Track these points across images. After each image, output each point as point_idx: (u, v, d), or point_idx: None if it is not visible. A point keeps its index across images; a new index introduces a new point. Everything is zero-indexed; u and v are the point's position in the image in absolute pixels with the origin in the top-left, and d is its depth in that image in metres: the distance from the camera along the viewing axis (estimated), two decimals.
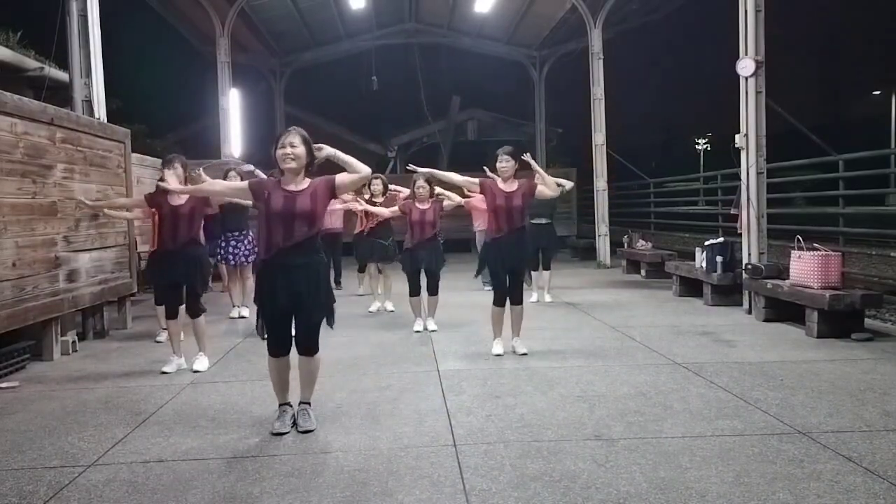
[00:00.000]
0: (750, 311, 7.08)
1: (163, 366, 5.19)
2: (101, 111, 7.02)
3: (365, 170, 3.65)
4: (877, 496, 2.79)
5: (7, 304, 5.02)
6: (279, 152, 3.62)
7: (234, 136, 12.53)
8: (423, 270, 6.58)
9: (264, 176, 5.59)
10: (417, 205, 6.52)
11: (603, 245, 12.48)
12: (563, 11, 13.81)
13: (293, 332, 3.77)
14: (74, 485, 3.10)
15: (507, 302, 5.48)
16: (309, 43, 17.32)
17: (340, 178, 3.69)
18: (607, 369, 4.94)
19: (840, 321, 5.81)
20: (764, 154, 7.18)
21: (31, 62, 8.30)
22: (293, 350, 3.79)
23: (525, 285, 6.61)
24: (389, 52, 18.71)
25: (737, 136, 7.28)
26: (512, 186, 5.36)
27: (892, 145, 24.99)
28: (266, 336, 3.77)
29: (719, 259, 7.62)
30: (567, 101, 18.96)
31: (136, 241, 7.45)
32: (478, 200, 8.27)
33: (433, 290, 6.63)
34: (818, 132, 8.73)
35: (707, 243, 7.91)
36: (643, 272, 10.62)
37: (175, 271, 5.14)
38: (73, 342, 6.03)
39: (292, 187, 3.65)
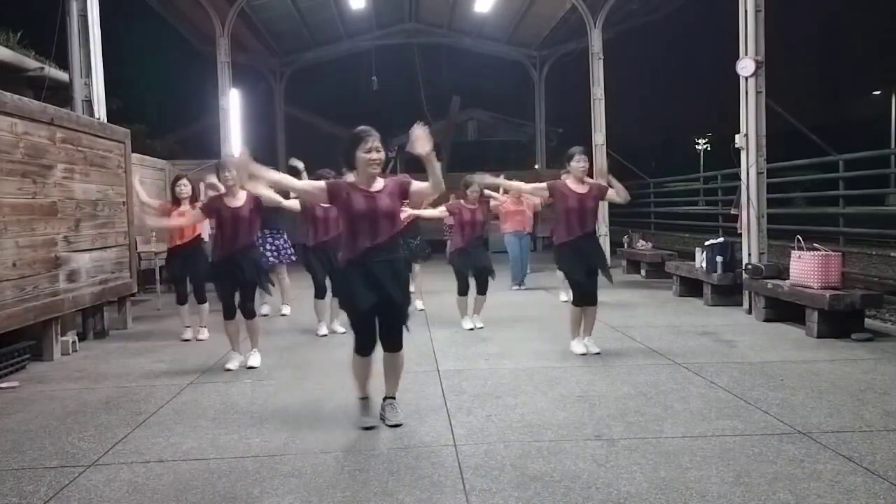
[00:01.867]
0: (750, 311, 7.07)
1: (226, 363, 5.25)
2: (101, 111, 7.02)
3: (441, 188, 3.69)
4: (877, 496, 2.79)
5: (7, 304, 5.02)
6: (365, 156, 3.61)
7: (234, 136, 12.52)
8: (476, 269, 6.66)
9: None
10: (467, 206, 6.62)
11: (603, 245, 12.47)
12: (563, 11, 13.81)
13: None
14: (74, 485, 3.10)
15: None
16: (309, 43, 17.32)
17: (417, 185, 3.75)
18: (607, 369, 4.94)
19: (840, 321, 5.81)
20: (764, 154, 7.18)
21: (31, 62, 8.30)
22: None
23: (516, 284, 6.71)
24: (389, 52, 18.71)
25: (737, 136, 7.28)
26: (584, 188, 5.31)
27: (892, 145, 24.99)
28: (353, 334, 3.81)
29: (719, 259, 7.62)
30: (567, 101, 18.97)
31: (136, 242, 7.45)
32: (509, 203, 8.38)
33: (483, 290, 6.72)
34: (818, 132, 8.71)
35: (707, 243, 7.91)
36: (643, 272, 10.62)
37: (237, 275, 5.11)
38: (73, 342, 6.03)
39: (370, 187, 3.68)
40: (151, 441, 3.63)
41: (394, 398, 3.91)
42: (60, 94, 7.33)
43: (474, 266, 6.64)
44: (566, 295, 8.34)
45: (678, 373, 4.80)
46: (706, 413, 3.88)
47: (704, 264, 7.87)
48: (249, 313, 5.28)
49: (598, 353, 5.37)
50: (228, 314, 5.24)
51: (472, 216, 6.60)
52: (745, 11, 7.11)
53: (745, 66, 7.07)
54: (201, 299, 6.41)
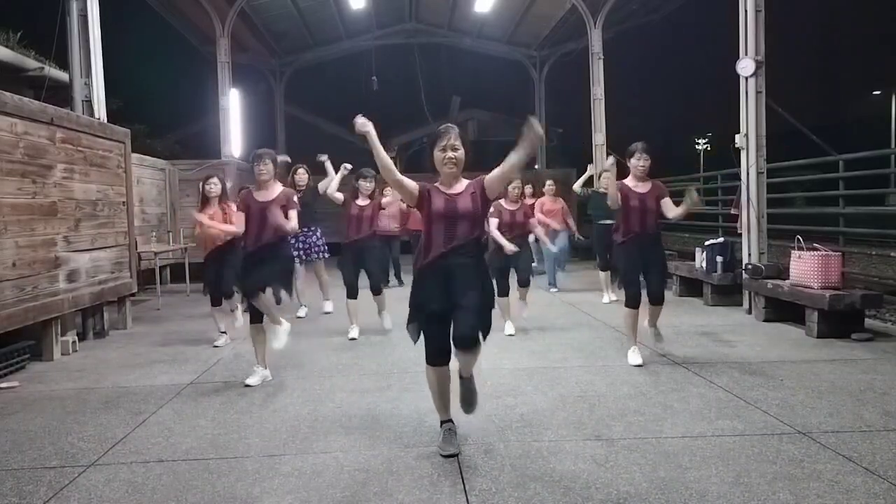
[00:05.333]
0: (750, 311, 7.08)
1: (247, 378, 4.84)
2: (101, 111, 7.02)
3: (515, 163, 3.40)
4: (877, 496, 2.79)
5: (7, 304, 5.02)
6: (440, 155, 3.44)
7: (235, 136, 12.53)
8: (517, 270, 6.50)
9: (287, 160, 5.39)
10: (507, 206, 6.36)
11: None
12: (563, 11, 13.82)
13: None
14: (74, 485, 3.10)
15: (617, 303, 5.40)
16: (309, 43, 17.33)
17: (490, 176, 3.52)
18: (607, 369, 4.94)
19: (840, 321, 5.81)
20: (764, 154, 7.18)
21: (31, 62, 8.31)
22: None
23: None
24: (389, 52, 18.71)
25: (737, 136, 7.28)
26: (646, 187, 5.15)
27: (892, 145, 24.97)
28: (424, 342, 3.54)
29: (719, 259, 7.63)
30: (567, 101, 18.97)
31: (136, 242, 7.45)
32: (546, 201, 8.28)
33: (524, 282, 6.59)
34: (818, 132, 8.70)
35: (707, 243, 7.91)
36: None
37: (261, 273, 4.85)
38: (73, 342, 6.03)
39: (451, 189, 3.51)
40: (151, 441, 3.63)
41: (471, 378, 3.60)
42: (60, 94, 7.34)
43: (516, 266, 6.45)
44: (608, 296, 8.33)
45: (678, 373, 4.80)
46: (706, 413, 3.88)
47: (704, 264, 7.87)
48: (256, 317, 4.91)
49: (661, 345, 5.26)
50: (255, 317, 4.91)
51: (511, 217, 6.34)
52: (745, 11, 7.11)
53: (745, 66, 7.08)
54: (230, 295, 6.17)
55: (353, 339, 6.25)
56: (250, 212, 4.89)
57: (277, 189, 4.94)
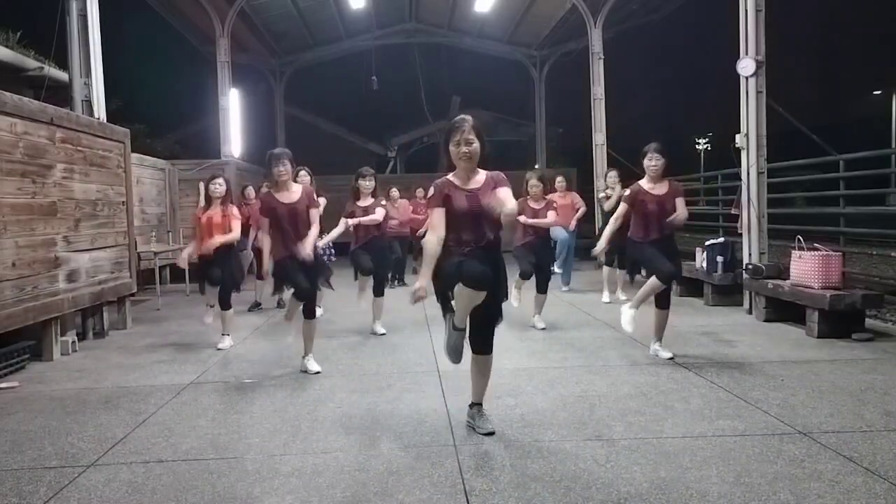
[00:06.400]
0: (750, 312, 7.07)
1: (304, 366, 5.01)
2: (101, 111, 7.01)
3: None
4: (877, 496, 2.78)
5: (7, 304, 5.02)
6: (454, 150, 3.43)
7: (234, 136, 12.54)
8: (537, 267, 6.52)
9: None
10: (531, 204, 6.48)
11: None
12: (563, 11, 13.83)
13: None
14: (74, 485, 3.09)
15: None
16: (309, 43, 17.33)
17: (504, 192, 3.44)
18: (607, 369, 4.94)
19: (841, 321, 5.81)
20: (764, 154, 7.18)
21: (31, 62, 8.31)
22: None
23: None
24: (389, 52, 18.73)
25: (737, 136, 7.28)
26: (662, 189, 5.03)
27: (893, 145, 24.95)
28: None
29: (720, 259, 7.62)
30: (567, 101, 18.96)
31: (135, 241, 7.44)
32: (556, 197, 8.29)
33: (543, 289, 6.59)
34: (818, 132, 8.70)
35: (707, 243, 7.90)
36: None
37: (304, 274, 4.82)
38: (73, 342, 6.03)
39: (470, 185, 3.46)
40: (151, 441, 3.63)
41: (481, 405, 3.73)
42: (60, 94, 7.33)
43: (537, 264, 6.47)
44: (608, 295, 8.29)
45: (678, 373, 4.80)
46: (706, 413, 3.88)
47: (705, 264, 7.87)
48: (311, 313, 5.03)
49: (670, 358, 5.13)
50: (309, 314, 4.97)
51: (534, 215, 6.40)
52: (746, 11, 7.11)
53: (746, 66, 7.08)
54: (226, 306, 6.04)
55: (382, 334, 6.39)
56: (277, 215, 4.86)
57: (298, 188, 4.99)
